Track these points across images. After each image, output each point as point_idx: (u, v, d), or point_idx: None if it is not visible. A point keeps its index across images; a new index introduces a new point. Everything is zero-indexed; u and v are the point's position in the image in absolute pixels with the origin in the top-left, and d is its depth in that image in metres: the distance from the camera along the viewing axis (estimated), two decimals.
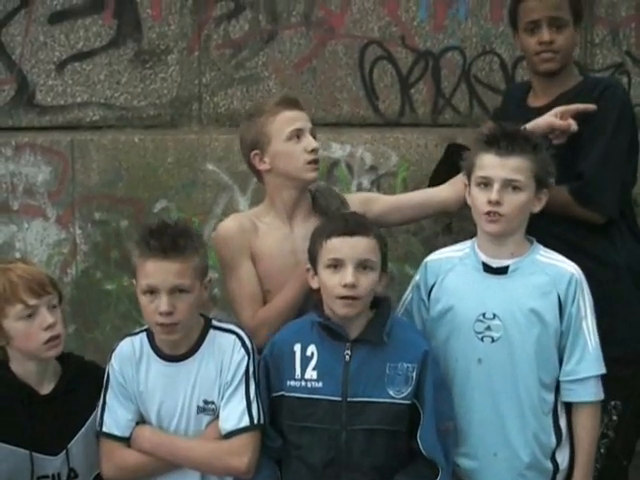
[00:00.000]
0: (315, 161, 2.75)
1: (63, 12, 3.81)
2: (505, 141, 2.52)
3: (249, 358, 2.53)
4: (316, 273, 2.51)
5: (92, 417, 2.57)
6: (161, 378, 2.54)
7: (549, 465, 2.57)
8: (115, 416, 2.54)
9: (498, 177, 2.50)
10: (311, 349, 2.51)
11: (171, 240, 2.45)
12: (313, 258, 2.51)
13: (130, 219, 3.70)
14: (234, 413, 2.49)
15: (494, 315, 2.56)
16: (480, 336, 2.57)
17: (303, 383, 2.49)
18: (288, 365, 2.51)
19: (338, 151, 3.45)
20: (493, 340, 2.56)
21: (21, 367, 2.50)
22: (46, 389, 2.52)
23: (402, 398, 2.45)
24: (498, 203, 2.49)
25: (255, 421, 2.48)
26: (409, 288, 2.75)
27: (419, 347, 2.51)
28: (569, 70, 3.14)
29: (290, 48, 3.75)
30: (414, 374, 2.47)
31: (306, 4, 3.75)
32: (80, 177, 3.75)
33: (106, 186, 3.73)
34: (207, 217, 3.62)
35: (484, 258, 2.61)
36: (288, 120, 2.74)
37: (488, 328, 2.56)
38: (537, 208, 2.58)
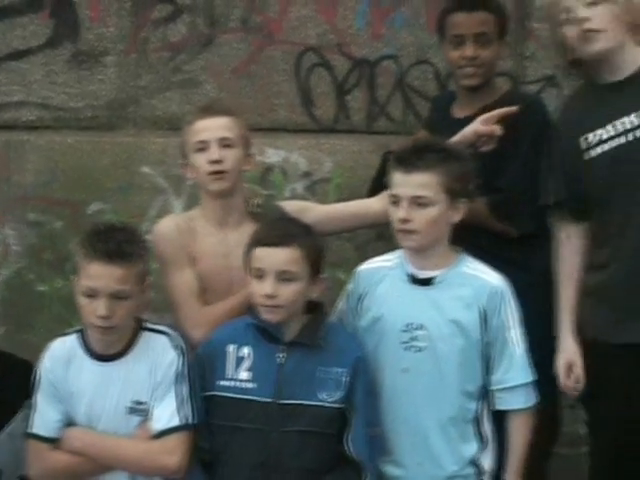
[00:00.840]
0: (217, 172, 2.76)
1: (0, 10, 3.78)
2: (411, 157, 2.56)
3: (180, 358, 2.56)
4: None
5: (20, 416, 2.58)
6: (92, 378, 2.55)
7: (472, 470, 2.63)
8: (44, 417, 2.54)
9: (404, 194, 2.54)
10: (246, 350, 2.55)
11: (117, 245, 2.47)
12: (245, 265, 2.56)
13: (65, 221, 3.69)
14: (165, 413, 2.53)
15: (420, 326, 2.60)
16: (406, 346, 2.61)
17: (236, 383, 2.52)
18: (221, 365, 2.54)
19: (273, 156, 3.49)
20: (419, 350, 2.60)
21: None
22: None
23: (333, 402, 2.50)
24: (407, 220, 2.53)
25: (186, 421, 2.52)
26: (342, 296, 2.78)
27: (352, 353, 2.56)
28: (493, 83, 3.23)
29: (228, 53, 3.76)
30: (346, 379, 2.51)
31: (244, 9, 3.77)
32: (15, 178, 3.73)
33: (41, 187, 3.72)
34: (142, 220, 3.61)
35: (411, 269, 2.65)
36: (196, 131, 2.80)
37: (414, 338, 2.60)
38: (456, 218, 2.60)
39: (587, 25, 2.72)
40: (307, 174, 3.72)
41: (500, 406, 2.64)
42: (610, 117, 2.74)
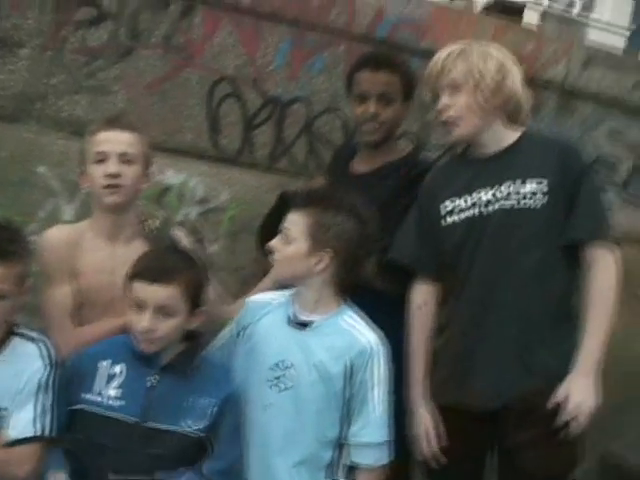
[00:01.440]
0: (112, 186, 2.76)
1: None
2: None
3: (47, 368, 2.53)
4: None
5: None
6: None
7: None
8: None
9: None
10: (118, 368, 2.56)
11: None
12: (124, 290, 2.57)
13: None
14: (21, 422, 2.48)
15: (288, 365, 2.65)
16: (271, 384, 2.65)
17: (103, 400, 2.52)
18: (90, 379, 2.54)
19: (172, 178, 3.48)
20: (283, 389, 2.65)
21: None
22: None
23: (196, 430, 2.52)
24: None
25: (42, 432, 2.48)
26: (229, 324, 2.82)
27: (225, 387, 2.60)
28: (393, 142, 3.33)
29: (145, 67, 3.73)
30: (213, 410, 2.55)
31: (169, 28, 3.75)
32: None
33: None
34: (31, 220, 3.55)
35: (293, 310, 2.71)
36: (98, 142, 2.79)
37: (280, 377, 2.65)
38: (319, 267, 2.63)
39: (446, 113, 2.86)
40: (203, 201, 3.72)
41: (353, 459, 2.68)
42: (470, 189, 2.88)
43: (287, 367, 2.65)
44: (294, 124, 3.89)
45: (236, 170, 3.80)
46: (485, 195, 2.85)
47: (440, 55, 2.92)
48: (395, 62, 3.36)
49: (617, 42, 7.03)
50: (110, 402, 2.51)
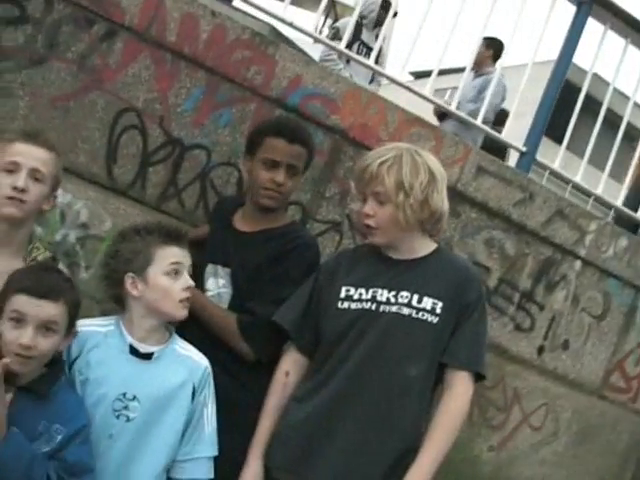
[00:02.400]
0: (15, 198, 2.77)
1: None
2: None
3: None
4: None
5: None
6: None
7: None
8: None
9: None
10: None
11: None
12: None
13: None
14: None
15: (134, 397, 2.72)
16: (117, 414, 2.71)
17: None
18: None
19: (59, 197, 3.42)
20: (128, 419, 2.71)
21: None
22: None
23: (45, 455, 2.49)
24: None
25: None
26: None
27: (78, 417, 2.60)
28: (282, 211, 3.41)
29: (54, 80, 3.66)
30: (61, 437, 2.53)
31: (88, 47, 3.69)
32: None
33: None
34: None
35: (130, 341, 2.78)
36: (12, 152, 2.81)
37: (126, 407, 2.72)
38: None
39: (367, 220, 2.96)
40: (84, 226, 3.66)
41: (183, 475, 2.83)
42: (374, 283, 2.96)
43: (131, 399, 2.72)
44: (190, 170, 3.88)
45: (123, 202, 3.75)
46: (386, 294, 2.93)
47: (373, 160, 2.98)
48: (307, 136, 3.44)
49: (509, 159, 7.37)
50: None
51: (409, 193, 2.90)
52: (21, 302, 2.50)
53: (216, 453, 2.89)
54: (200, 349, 2.96)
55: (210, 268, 3.35)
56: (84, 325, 2.79)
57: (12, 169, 2.77)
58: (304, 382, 3.07)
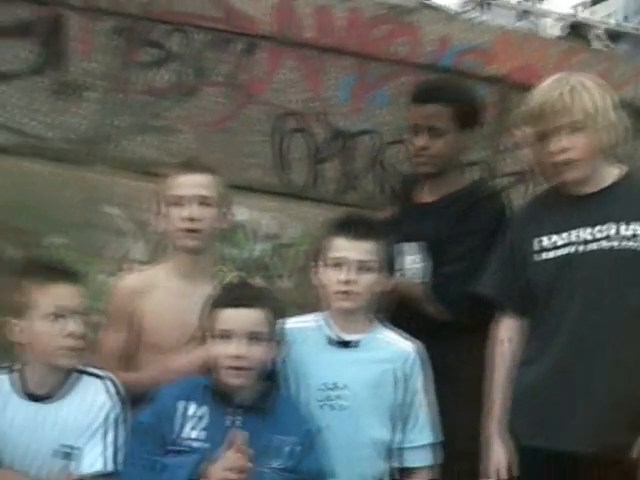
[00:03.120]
0: (190, 230, 2.80)
1: None
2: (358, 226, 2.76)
3: (112, 404, 2.54)
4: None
5: None
6: (20, 418, 2.50)
7: None
8: None
9: (352, 258, 2.70)
10: (201, 411, 2.53)
11: None
12: (204, 326, 2.58)
13: (20, 250, 3.59)
14: (89, 457, 2.50)
15: (339, 385, 2.69)
16: (323, 404, 2.69)
17: (185, 442, 2.50)
18: (177, 422, 2.52)
19: (239, 215, 3.45)
20: (339, 408, 2.69)
21: None
22: None
23: (282, 470, 2.51)
24: (350, 282, 2.67)
25: (110, 467, 2.49)
26: None
27: (300, 425, 2.59)
28: (453, 173, 3.28)
29: (208, 106, 3.74)
30: (297, 449, 2.54)
31: (232, 66, 3.77)
32: None
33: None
34: (96, 260, 3.55)
35: (332, 332, 2.76)
36: (175, 185, 2.85)
37: (333, 397, 2.69)
38: (387, 287, 2.79)
39: (565, 155, 2.76)
40: (270, 237, 3.70)
41: (405, 463, 2.77)
42: (567, 226, 2.79)
43: (339, 387, 2.70)
44: (361, 157, 3.85)
45: (303, 205, 3.77)
46: (583, 233, 2.76)
47: (549, 93, 2.81)
48: (444, 93, 3.28)
49: None
50: (193, 444, 2.50)
51: (603, 116, 2.73)
52: (226, 316, 2.54)
53: (436, 439, 2.80)
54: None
55: (402, 246, 3.28)
56: (294, 322, 2.79)
57: (179, 202, 2.82)
58: (528, 343, 2.91)
